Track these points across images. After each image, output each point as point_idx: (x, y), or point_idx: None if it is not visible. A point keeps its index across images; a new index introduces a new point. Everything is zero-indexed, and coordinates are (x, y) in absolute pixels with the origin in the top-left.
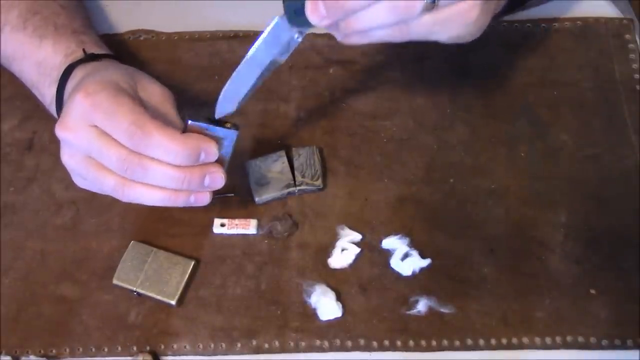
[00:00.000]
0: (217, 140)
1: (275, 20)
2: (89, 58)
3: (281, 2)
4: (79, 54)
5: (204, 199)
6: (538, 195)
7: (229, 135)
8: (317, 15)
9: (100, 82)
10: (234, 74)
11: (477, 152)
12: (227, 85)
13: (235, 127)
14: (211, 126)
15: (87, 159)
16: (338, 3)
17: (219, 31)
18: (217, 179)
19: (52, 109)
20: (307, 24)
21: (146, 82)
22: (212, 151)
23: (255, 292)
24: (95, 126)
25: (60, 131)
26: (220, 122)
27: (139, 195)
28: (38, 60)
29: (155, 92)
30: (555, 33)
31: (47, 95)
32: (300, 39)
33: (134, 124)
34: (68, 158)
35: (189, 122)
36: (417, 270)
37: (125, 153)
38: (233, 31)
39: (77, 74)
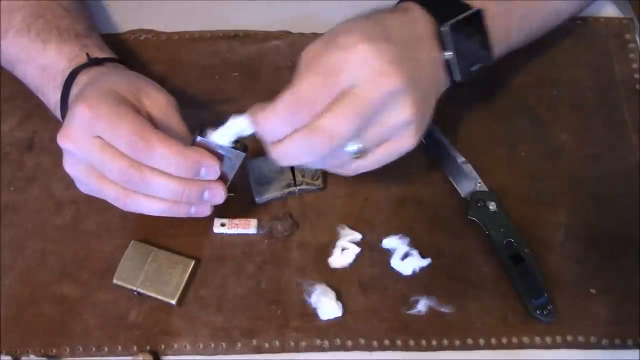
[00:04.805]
0: (223, 157)
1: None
2: (92, 63)
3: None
4: (83, 59)
5: (205, 210)
6: (538, 195)
7: (236, 156)
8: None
9: (101, 93)
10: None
11: (477, 152)
12: None
13: (244, 148)
14: (218, 144)
15: (89, 168)
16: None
17: (219, 31)
18: (217, 195)
19: (58, 113)
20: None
21: (150, 89)
22: (213, 170)
23: (255, 292)
24: (98, 137)
25: (62, 141)
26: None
27: (140, 206)
28: (42, 64)
29: (158, 99)
30: (555, 33)
31: (51, 99)
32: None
33: (135, 134)
34: (70, 167)
35: (197, 138)
36: (417, 269)
37: (126, 165)
38: (233, 31)
39: (81, 80)
